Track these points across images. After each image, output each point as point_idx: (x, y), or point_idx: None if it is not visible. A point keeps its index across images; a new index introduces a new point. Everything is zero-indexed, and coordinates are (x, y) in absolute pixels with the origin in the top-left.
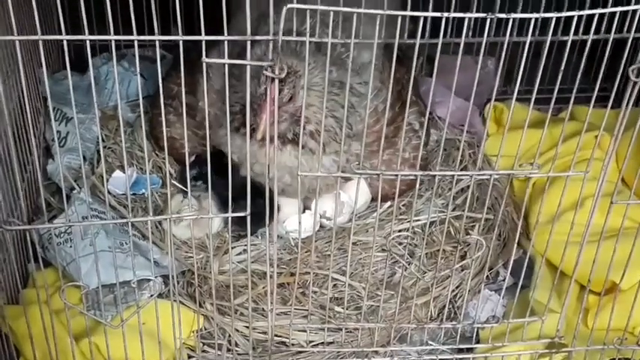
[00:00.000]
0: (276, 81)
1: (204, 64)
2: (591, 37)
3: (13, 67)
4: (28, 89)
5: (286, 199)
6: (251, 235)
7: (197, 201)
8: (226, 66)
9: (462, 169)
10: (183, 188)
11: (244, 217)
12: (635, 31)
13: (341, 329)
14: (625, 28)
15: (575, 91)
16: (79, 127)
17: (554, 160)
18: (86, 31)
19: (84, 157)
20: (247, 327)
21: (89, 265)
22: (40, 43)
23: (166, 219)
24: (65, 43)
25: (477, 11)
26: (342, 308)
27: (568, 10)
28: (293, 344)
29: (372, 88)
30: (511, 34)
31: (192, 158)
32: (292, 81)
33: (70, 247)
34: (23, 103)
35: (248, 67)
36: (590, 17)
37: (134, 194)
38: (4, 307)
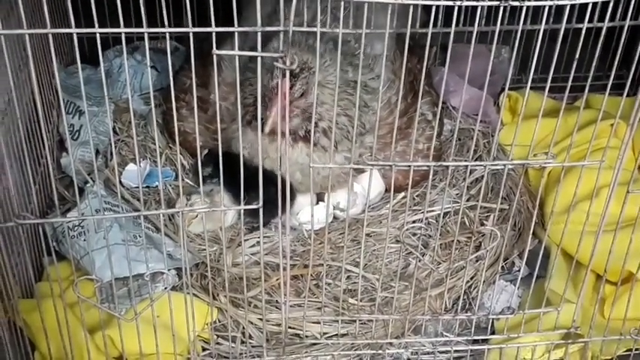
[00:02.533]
0: (288, 74)
1: (214, 57)
2: (606, 24)
3: (26, 61)
4: (41, 83)
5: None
6: (264, 224)
7: (209, 196)
8: (237, 58)
9: (476, 159)
10: (194, 185)
11: (257, 209)
12: None
13: (355, 321)
14: None
15: (590, 79)
16: (93, 120)
17: (569, 149)
18: (96, 24)
19: (97, 151)
20: (261, 319)
21: (103, 258)
22: (50, 36)
23: (179, 212)
24: (75, 36)
25: None
26: (356, 300)
27: None
28: (307, 336)
29: (384, 80)
30: (525, 22)
31: (205, 151)
32: (305, 77)
33: (84, 240)
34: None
35: (259, 59)
36: (606, 4)
37: (147, 187)
38: (19, 301)
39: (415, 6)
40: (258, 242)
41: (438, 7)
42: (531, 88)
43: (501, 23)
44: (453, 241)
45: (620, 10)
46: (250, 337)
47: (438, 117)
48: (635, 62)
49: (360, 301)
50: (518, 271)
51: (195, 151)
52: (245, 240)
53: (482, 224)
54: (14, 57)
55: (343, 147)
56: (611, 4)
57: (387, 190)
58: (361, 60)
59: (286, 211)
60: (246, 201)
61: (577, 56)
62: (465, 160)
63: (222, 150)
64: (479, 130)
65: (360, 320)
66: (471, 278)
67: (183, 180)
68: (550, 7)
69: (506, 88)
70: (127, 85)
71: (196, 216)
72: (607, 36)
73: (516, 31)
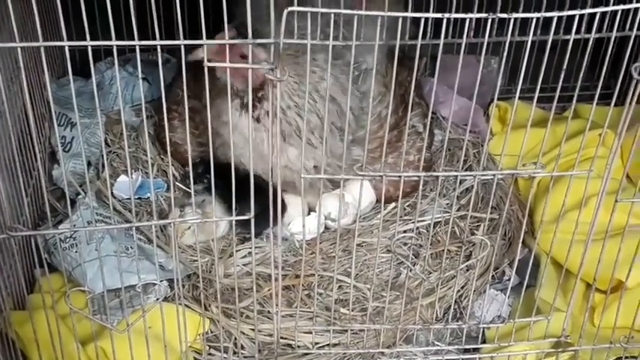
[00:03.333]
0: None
1: (205, 68)
2: (593, 35)
3: (17, 73)
4: (33, 95)
5: (291, 200)
6: (256, 234)
7: (201, 207)
8: (228, 70)
9: (466, 169)
10: (187, 189)
11: (249, 219)
12: (638, 29)
13: (346, 331)
14: (627, 26)
15: (578, 89)
16: (85, 132)
17: (557, 159)
18: (87, 36)
19: (89, 162)
20: (253, 329)
21: (95, 269)
22: (42, 49)
23: (170, 223)
24: (67, 49)
25: (479, 11)
26: (348, 310)
27: (570, 9)
28: (299, 346)
29: (375, 94)
30: (513, 34)
31: (197, 161)
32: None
33: (76, 252)
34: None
35: (250, 71)
36: (593, 16)
37: (139, 198)
38: (11, 313)
39: (404, 18)
40: (250, 253)
41: (427, 19)
42: (520, 98)
43: (490, 34)
44: (443, 250)
45: (607, 21)
46: (242, 347)
47: (427, 129)
48: (622, 72)
49: (352, 310)
50: (509, 280)
51: (186, 162)
52: (237, 251)
53: (473, 234)
54: (6, 69)
55: (293, 142)
56: (597, 16)
57: (377, 201)
58: (351, 71)
59: (277, 220)
60: (238, 212)
61: (565, 67)
62: (455, 170)
63: (213, 161)
64: (468, 140)
65: (351, 330)
66: (462, 287)
67: (175, 191)
68: (538, 18)
69: (495, 98)
70: (118, 96)
71: (189, 227)
72: (594, 47)
73: (505, 42)
